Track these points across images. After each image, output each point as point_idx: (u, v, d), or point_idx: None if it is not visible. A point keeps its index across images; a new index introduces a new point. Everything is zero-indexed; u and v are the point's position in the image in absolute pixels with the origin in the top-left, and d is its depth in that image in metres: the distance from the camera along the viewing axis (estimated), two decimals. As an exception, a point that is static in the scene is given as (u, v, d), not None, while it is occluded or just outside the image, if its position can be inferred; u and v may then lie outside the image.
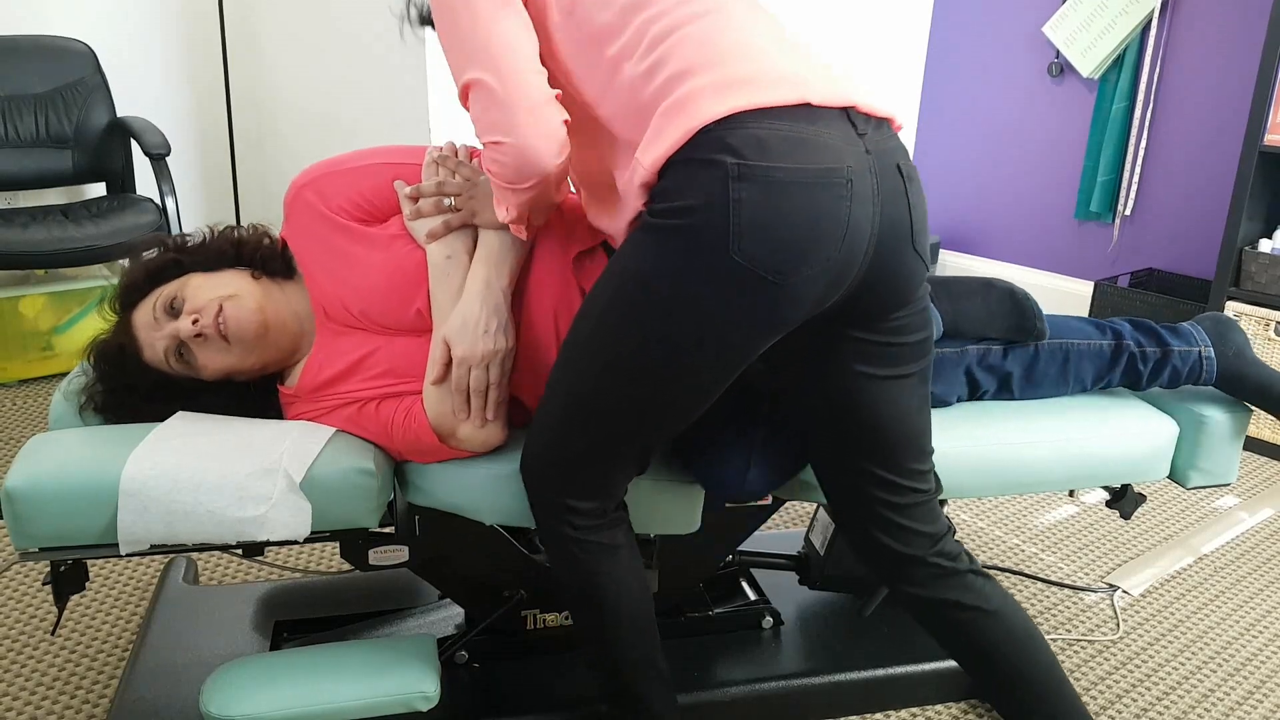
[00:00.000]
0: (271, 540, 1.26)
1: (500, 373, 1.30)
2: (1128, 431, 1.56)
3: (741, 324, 1.10)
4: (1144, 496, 1.69)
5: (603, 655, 1.32)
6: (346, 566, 1.93)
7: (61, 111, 3.00)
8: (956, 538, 1.35)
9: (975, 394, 1.57)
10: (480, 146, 1.28)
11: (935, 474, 1.33)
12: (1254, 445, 2.73)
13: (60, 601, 1.36)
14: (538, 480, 1.25)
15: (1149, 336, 1.59)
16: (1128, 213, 3.36)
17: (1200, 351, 1.59)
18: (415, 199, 1.38)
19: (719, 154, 1.04)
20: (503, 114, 1.12)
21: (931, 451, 1.30)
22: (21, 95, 2.96)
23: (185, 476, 1.23)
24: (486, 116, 1.14)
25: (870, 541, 1.31)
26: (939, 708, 1.68)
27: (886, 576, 1.34)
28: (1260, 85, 2.54)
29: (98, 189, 3.17)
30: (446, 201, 1.37)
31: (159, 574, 1.94)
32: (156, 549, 1.28)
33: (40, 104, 2.98)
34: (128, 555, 1.28)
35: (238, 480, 1.24)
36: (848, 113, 1.11)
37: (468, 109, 1.18)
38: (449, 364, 1.30)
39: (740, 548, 1.75)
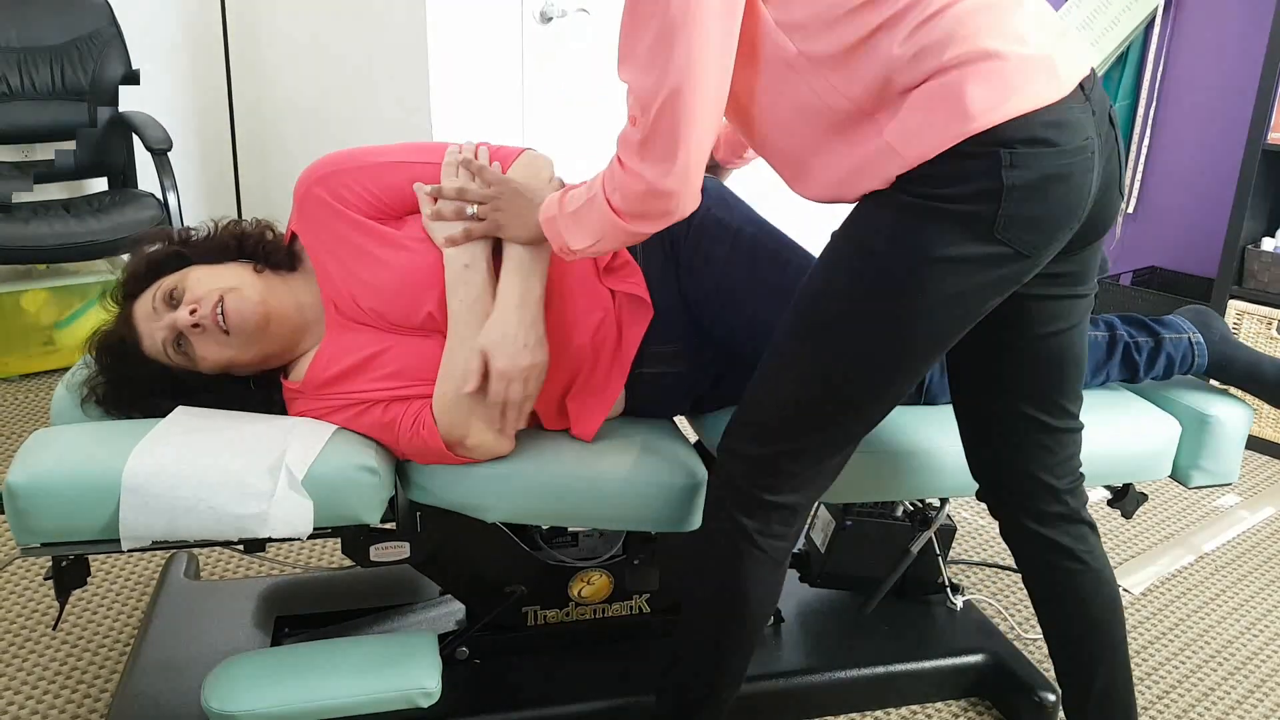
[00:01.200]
0: (273, 537, 1.26)
1: (536, 386, 1.30)
2: (1130, 430, 1.56)
3: (988, 296, 1.12)
4: (1145, 495, 1.69)
5: (704, 662, 1.32)
6: (348, 562, 1.93)
7: (78, 64, 2.99)
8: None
9: None
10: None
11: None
12: (1256, 444, 2.73)
13: (62, 597, 1.36)
14: (739, 471, 1.23)
15: (1139, 328, 1.61)
16: (1130, 210, 3.35)
17: (1189, 338, 1.61)
18: (435, 199, 1.37)
19: (992, 146, 1.04)
20: (674, 148, 1.08)
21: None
22: (37, 47, 2.95)
23: (187, 473, 1.23)
24: (655, 144, 1.09)
25: (1019, 476, 1.31)
26: (939, 705, 1.68)
27: (1018, 509, 1.33)
28: (1264, 84, 2.54)
29: (99, 184, 3.17)
30: (469, 209, 1.35)
31: (160, 569, 1.94)
32: (158, 544, 1.28)
33: (56, 55, 2.97)
34: (130, 551, 1.27)
35: (240, 476, 1.24)
36: (1081, 83, 1.11)
37: (633, 123, 1.12)
38: (485, 375, 1.29)
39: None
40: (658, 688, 1.41)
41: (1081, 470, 1.34)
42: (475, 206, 1.34)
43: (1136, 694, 1.72)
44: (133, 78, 2.99)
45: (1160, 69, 3.19)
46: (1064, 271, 1.20)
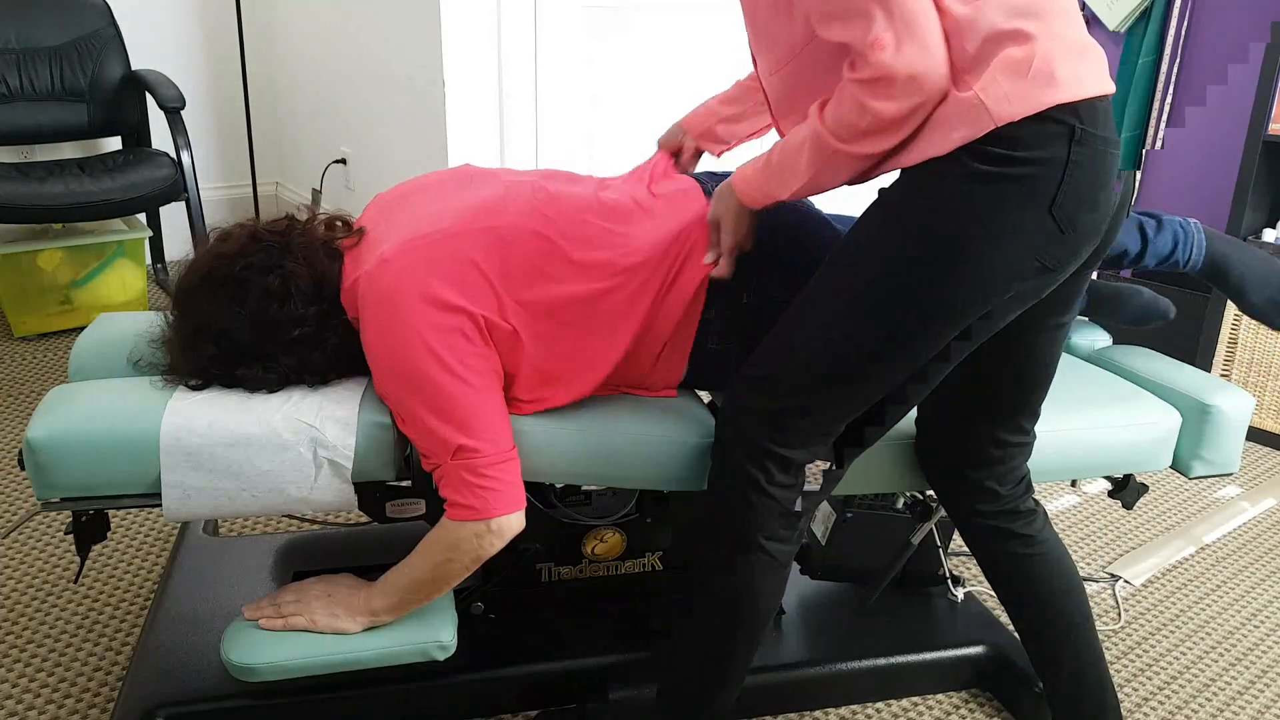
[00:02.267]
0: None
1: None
2: (1130, 421, 1.55)
3: (1026, 274, 1.15)
4: (1146, 486, 1.67)
5: (712, 660, 1.34)
6: (364, 518, 1.95)
7: (76, 64, 2.99)
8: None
9: None
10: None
11: None
12: (1257, 435, 2.69)
13: (82, 551, 1.38)
14: (750, 424, 1.24)
15: (1145, 216, 1.65)
16: (1158, 148, 3.31)
17: (1194, 228, 1.64)
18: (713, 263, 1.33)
19: (1068, 116, 1.10)
20: (913, 20, 1.06)
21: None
22: (37, 48, 2.95)
23: (222, 456, 1.26)
24: (903, 34, 1.07)
25: (969, 480, 1.38)
26: (939, 697, 1.68)
27: (967, 505, 1.40)
28: (1264, 75, 2.49)
29: (113, 143, 3.17)
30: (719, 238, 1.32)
31: (179, 524, 1.97)
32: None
33: (55, 56, 2.97)
34: (152, 507, 1.29)
35: (279, 469, 1.27)
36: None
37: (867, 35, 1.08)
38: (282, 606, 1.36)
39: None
40: (659, 687, 1.41)
41: (1028, 476, 1.42)
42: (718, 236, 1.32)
43: (1138, 684, 1.72)
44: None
45: (1185, 24, 3.13)
46: (1061, 296, 1.25)
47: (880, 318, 1.17)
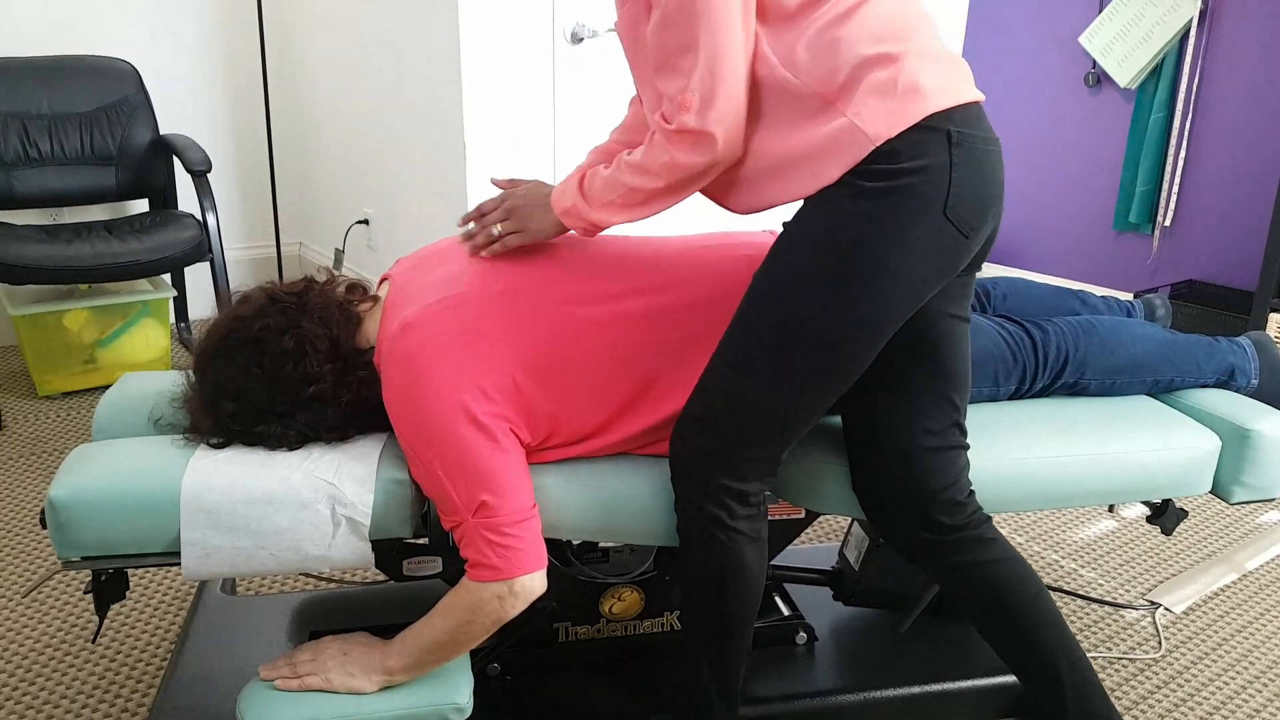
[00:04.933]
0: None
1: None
2: (1168, 445, 1.54)
3: (933, 279, 1.21)
4: (1186, 512, 1.66)
5: (713, 646, 1.36)
6: (381, 577, 1.95)
7: (106, 130, 3.07)
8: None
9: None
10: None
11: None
12: (1300, 460, 2.67)
13: (101, 610, 1.38)
14: (701, 465, 1.28)
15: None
16: (1167, 223, 3.31)
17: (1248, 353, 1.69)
18: (465, 238, 1.41)
19: (941, 123, 1.17)
20: (716, 91, 1.19)
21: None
22: (68, 114, 3.03)
23: (243, 514, 1.27)
24: (704, 91, 1.19)
25: (910, 497, 1.35)
26: None
27: (915, 528, 1.36)
28: None
29: (141, 205, 3.23)
30: (495, 230, 1.38)
31: (197, 584, 1.97)
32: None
33: (86, 122, 3.05)
34: (171, 566, 1.30)
35: (297, 526, 1.28)
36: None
37: (669, 88, 1.22)
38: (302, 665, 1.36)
39: (774, 562, 1.73)
40: (672, 690, 1.42)
41: (971, 487, 1.38)
42: (499, 226, 1.38)
43: (1180, 715, 1.69)
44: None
45: (1196, 81, 3.16)
46: (956, 294, 1.30)
47: (804, 341, 1.21)
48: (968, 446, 1.37)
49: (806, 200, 1.22)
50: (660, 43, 1.23)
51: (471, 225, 1.41)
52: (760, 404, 1.24)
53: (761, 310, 1.24)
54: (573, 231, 1.35)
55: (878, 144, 1.15)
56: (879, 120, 1.15)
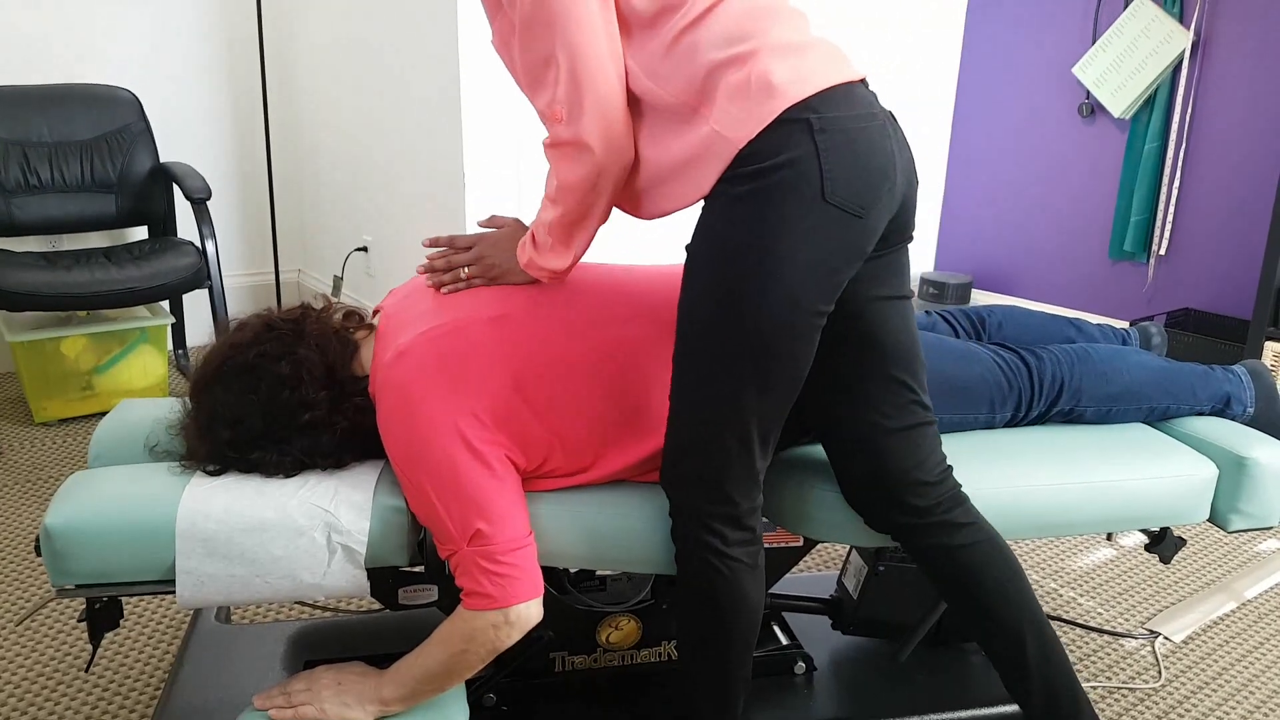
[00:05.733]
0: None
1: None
2: (1165, 473, 1.54)
3: (840, 264, 1.20)
4: (1184, 540, 1.66)
5: (712, 675, 1.36)
6: (376, 605, 1.93)
7: (107, 157, 3.08)
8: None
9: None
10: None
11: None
12: (1297, 488, 2.67)
13: (95, 639, 1.37)
14: (686, 494, 1.28)
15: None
16: (1162, 252, 3.33)
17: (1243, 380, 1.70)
18: (427, 271, 1.42)
19: (799, 114, 1.16)
20: (582, 99, 1.19)
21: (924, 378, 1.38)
22: (69, 142, 3.04)
23: (239, 543, 1.27)
24: (571, 101, 1.19)
25: (888, 480, 1.34)
26: None
27: (894, 510, 1.36)
28: None
29: (140, 232, 3.24)
30: (462, 273, 1.40)
31: (191, 612, 1.95)
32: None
33: (86, 150, 3.06)
34: (185, 608, 1.29)
35: (292, 554, 1.28)
36: (863, 81, 1.26)
37: (541, 99, 1.23)
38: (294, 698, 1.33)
39: (772, 590, 1.73)
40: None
41: (944, 465, 1.37)
42: (465, 269, 1.40)
43: None
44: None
45: (1189, 111, 3.19)
46: (883, 274, 1.29)
47: (734, 351, 1.21)
48: (932, 422, 1.36)
49: (700, 212, 1.23)
50: (524, 59, 1.24)
51: (439, 258, 1.42)
52: (718, 422, 1.24)
53: (688, 332, 1.24)
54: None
55: (740, 147, 1.15)
56: (737, 123, 1.16)
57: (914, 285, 3.99)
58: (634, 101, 1.24)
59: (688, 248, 1.24)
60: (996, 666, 1.42)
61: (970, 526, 1.37)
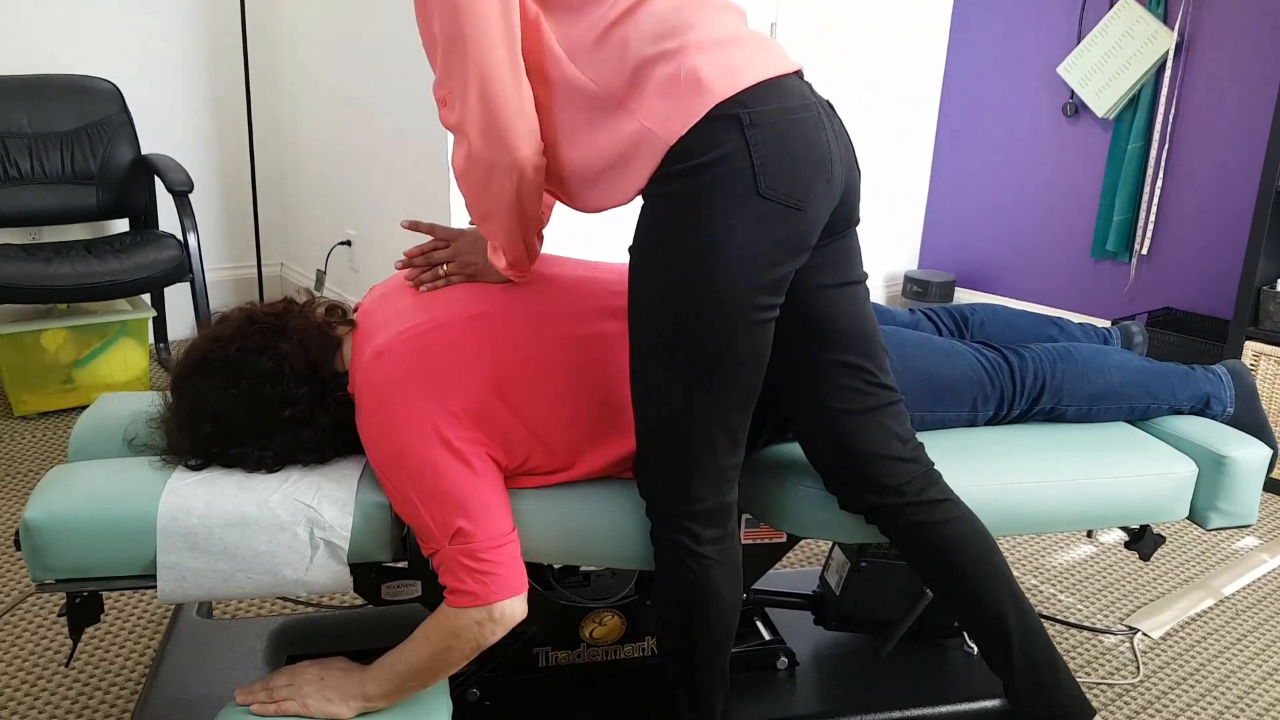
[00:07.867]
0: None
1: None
2: (1146, 471, 1.55)
3: (781, 258, 1.19)
4: (1163, 538, 1.68)
5: (688, 672, 1.36)
6: (359, 601, 1.93)
7: (87, 149, 3.05)
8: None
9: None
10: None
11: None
12: (1275, 486, 2.70)
13: (75, 633, 1.36)
14: (657, 494, 1.29)
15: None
16: (1144, 252, 3.35)
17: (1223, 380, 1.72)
18: (404, 266, 1.42)
19: (729, 109, 1.14)
20: (466, 88, 1.16)
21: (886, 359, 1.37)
22: (49, 133, 3.01)
23: (220, 537, 1.26)
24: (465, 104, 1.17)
25: (859, 460, 1.34)
26: None
27: (869, 491, 1.36)
28: (1276, 125, 2.54)
29: (121, 224, 3.22)
30: (441, 270, 1.39)
31: (173, 607, 1.94)
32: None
33: (67, 141, 3.03)
34: (166, 603, 1.29)
35: (274, 550, 1.27)
36: (798, 73, 1.25)
37: (442, 95, 1.21)
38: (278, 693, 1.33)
39: (755, 586, 1.74)
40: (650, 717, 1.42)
41: (914, 443, 1.37)
42: (444, 267, 1.39)
43: None
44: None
45: (1173, 111, 3.21)
46: (830, 262, 1.29)
47: (685, 350, 1.20)
48: (896, 402, 1.36)
49: (639, 212, 1.22)
50: (424, 39, 1.22)
51: (418, 254, 1.42)
52: (675, 423, 1.24)
53: (637, 335, 1.24)
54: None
55: (671, 144, 1.15)
56: (668, 121, 1.15)
57: (898, 284, 4.00)
58: (556, 87, 1.21)
59: (630, 249, 1.23)
60: (977, 641, 1.43)
61: (945, 503, 1.38)
